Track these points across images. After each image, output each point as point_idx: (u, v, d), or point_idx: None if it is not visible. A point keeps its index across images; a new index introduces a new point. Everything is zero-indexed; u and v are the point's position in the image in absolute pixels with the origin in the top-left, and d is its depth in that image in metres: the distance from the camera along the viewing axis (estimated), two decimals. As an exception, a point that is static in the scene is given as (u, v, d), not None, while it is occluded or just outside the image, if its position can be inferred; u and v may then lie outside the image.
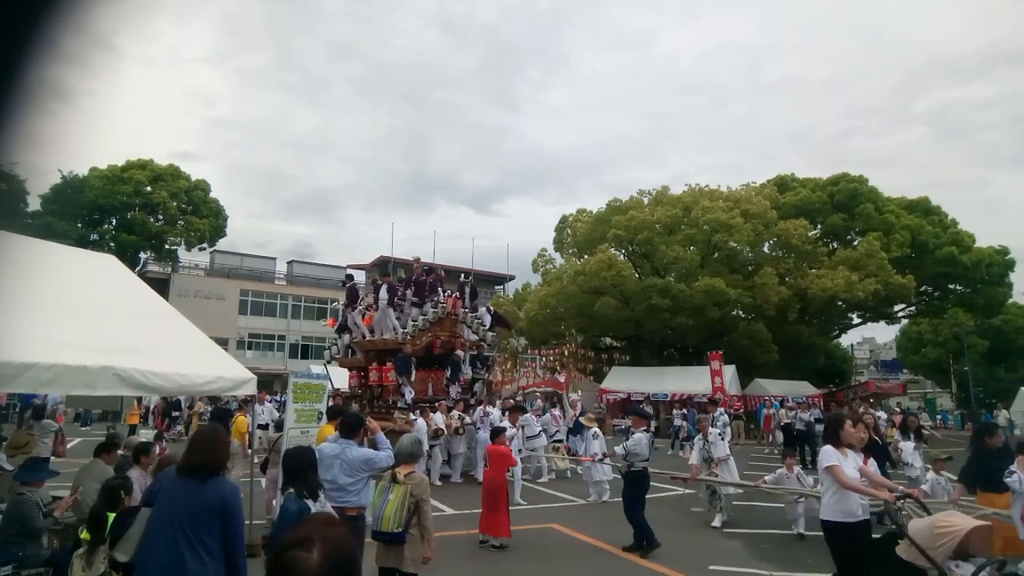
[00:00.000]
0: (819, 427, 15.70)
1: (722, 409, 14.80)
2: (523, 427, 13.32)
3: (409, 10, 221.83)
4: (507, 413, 13.19)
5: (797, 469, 9.23)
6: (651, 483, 8.47)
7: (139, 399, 21.28)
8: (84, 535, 4.47)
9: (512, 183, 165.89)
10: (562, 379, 26.06)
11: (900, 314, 37.51)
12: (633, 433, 8.51)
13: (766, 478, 9.27)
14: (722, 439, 10.28)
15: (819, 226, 33.83)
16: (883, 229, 31.38)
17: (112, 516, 4.54)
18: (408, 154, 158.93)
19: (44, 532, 5.17)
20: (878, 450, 9.13)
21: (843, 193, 33.04)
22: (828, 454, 5.23)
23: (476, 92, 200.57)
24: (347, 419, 5.43)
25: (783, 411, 21.10)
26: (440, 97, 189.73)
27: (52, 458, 9.34)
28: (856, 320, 36.66)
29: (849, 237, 33.81)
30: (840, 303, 31.29)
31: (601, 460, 11.01)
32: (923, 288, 33.73)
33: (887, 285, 28.99)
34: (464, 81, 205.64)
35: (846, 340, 46.18)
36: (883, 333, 68.10)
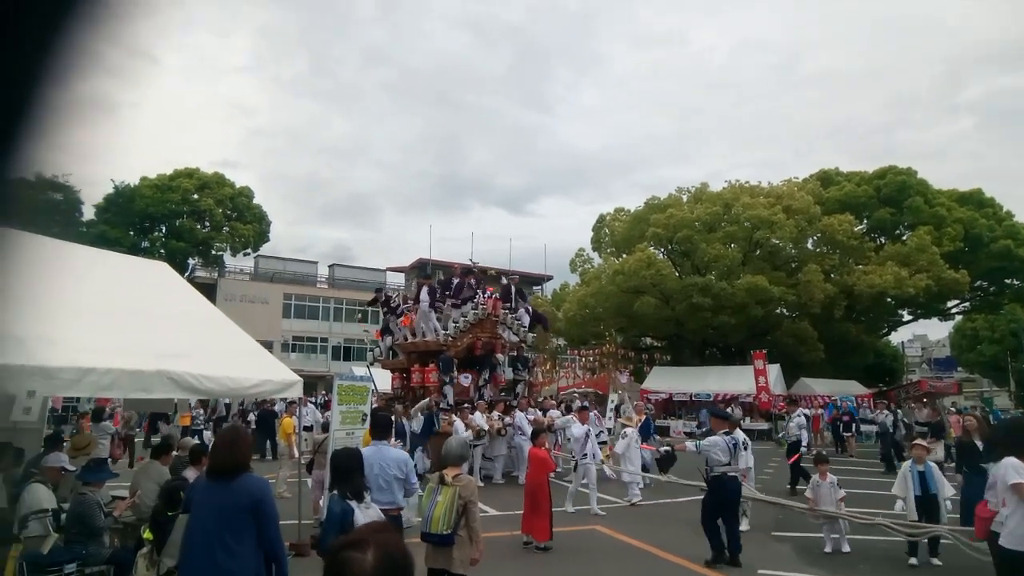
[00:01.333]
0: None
1: (801, 409, 14.47)
2: (565, 428, 13.28)
3: (439, 15, 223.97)
4: (576, 413, 13.00)
5: (831, 477, 8.38)
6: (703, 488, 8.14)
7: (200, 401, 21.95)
8: (147, 535, 4.62)
9: (545, 183, 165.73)
10: (624, 379, 25.88)
11: (953, 310, 36.19)
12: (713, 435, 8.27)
13: (807, 494, 8.51)
14: (746, 450, 9.37)
15: (865, 221, 32.85)
16: (934, 223, 30.29)
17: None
18: (441, 157, 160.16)
19: (105, 531, 5.35)
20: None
21: (890, 186, 32.01)
22: (1014, 468, 4.51)
23: (507, 94, 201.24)
24: (376, 420, 5.51)
25: (882, 414, 19.55)
26: (472, 100, 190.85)
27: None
28: (907, 317, 35.53)
29: (898, 232, 32.75)
30: (889, 300, 30.38)
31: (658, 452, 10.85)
32: (977, 283, 32.46)
33: (939, 281, 27.99)
34: (495, 83, 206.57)
35: (896, 338, 44.85)
36: (935, 330, 66.07)
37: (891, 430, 17.70)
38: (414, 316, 15.96)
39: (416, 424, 12.38)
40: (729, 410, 21.22)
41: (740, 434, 8.59)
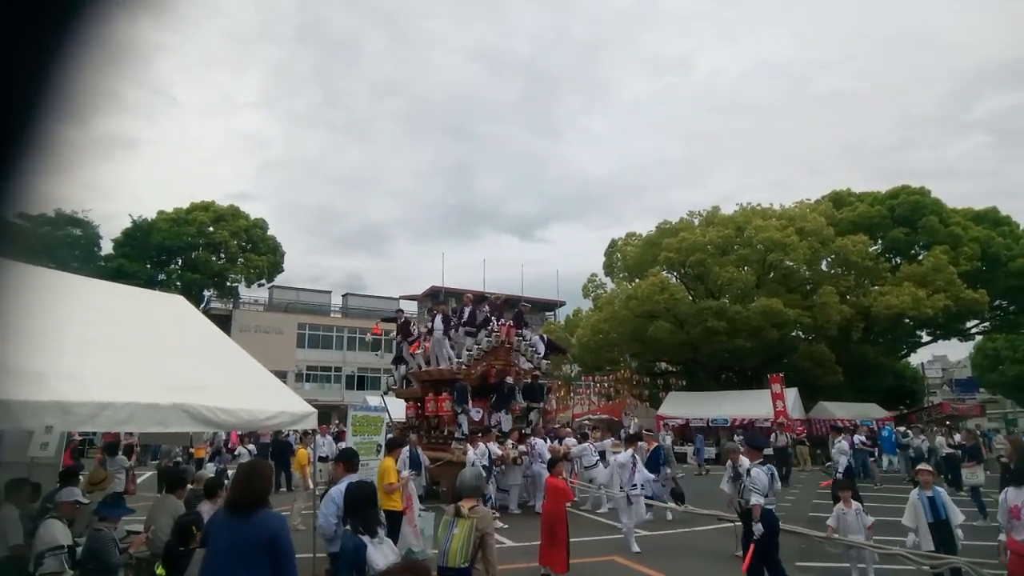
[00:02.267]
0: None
1: (841, 438, 14.24)
2: (581, 456, 13.11)
3: (449, 47, 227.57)
4: (625, 442, 12.74)
5: (856, 505, 7.99)
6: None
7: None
8: (160, 571, 4.58)
9: (556, 210, 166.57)
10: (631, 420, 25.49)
11: (973, 330, 35.62)
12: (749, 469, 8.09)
13: (829, 523, 8.02)
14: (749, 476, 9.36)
15: (880, 241, 32.62)
16: (950, 242, 30.01)
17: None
18: (453, 186, 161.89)
19: (120, 568, 5.32)
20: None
21: (904, 206, 31.82)
22: None
23: (518, 122, 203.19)
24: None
25: (917, 439, 19.39)
26: (482, 129, 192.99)
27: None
28: (926, 338, 34.99)
29: (913, 252, 32.45)
30: (907, 321, 29.98)
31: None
32: (997, 303, 31.98)
33: (958, 301, 27.61)
34: (505, 112, 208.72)
35: (916, 359, 44.10)
36: (956, 351, 65.02)
37: (926, 456, 17.41)
38: (426, 344, 15.94)
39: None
40: (772, 437, 20.75)
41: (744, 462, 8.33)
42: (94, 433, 21.03)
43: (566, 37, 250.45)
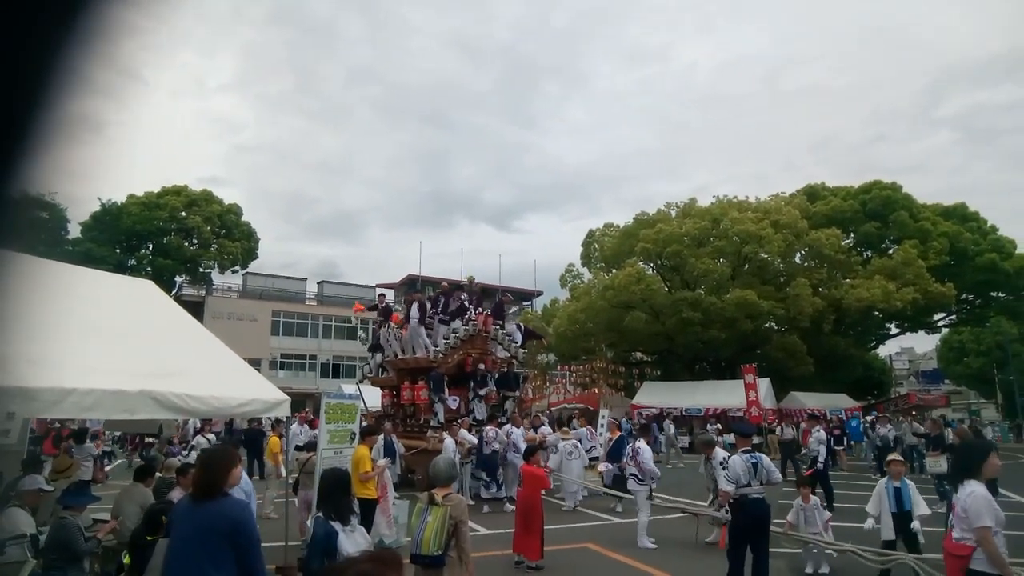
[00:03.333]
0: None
1: (818, 427, 14.34)
2: (557, 445, 13.16)
3: (426, 33, 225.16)
4: (639, 431, 12.80)
5: (814, 500, 8.10)
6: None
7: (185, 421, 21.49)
8: (127, 560, 4.50)
9: (533, 200, 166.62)
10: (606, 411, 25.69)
11: (940, 323, 36.54)
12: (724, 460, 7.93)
13: (789, 518, 8.04)
14: (723, 468, 8.81)
15: (852, 235, 33.18)
16: (919, 237, 30.67)
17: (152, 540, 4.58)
18: (428, 174, 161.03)
19: (86, 556, 5.21)
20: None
21: (876, 201, 32.40)
22: (986, 508, 4.17)
23: (495, 111, 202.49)
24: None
25: (884, 428, 19.26)
26: (459, 117, 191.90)
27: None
28: (894, 330, 35.81)
29: (884, 246, 33.10)
30: (877, 313, 30.60)
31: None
32: (964, 296, 32.85)
33: (926, 294, 28.26)
34: (482, 100, 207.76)
35: (884, 351, 45.11)
36: (922, 343, 66.47)
37: (892, 444, 17.79)
38: (402, 331, 15.86)
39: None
40: (779, 430, 20.90)
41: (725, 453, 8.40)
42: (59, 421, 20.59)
43: (545, 26, 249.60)
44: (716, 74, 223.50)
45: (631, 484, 9.88)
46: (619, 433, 13.59)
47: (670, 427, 23.77)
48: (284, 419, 9.30)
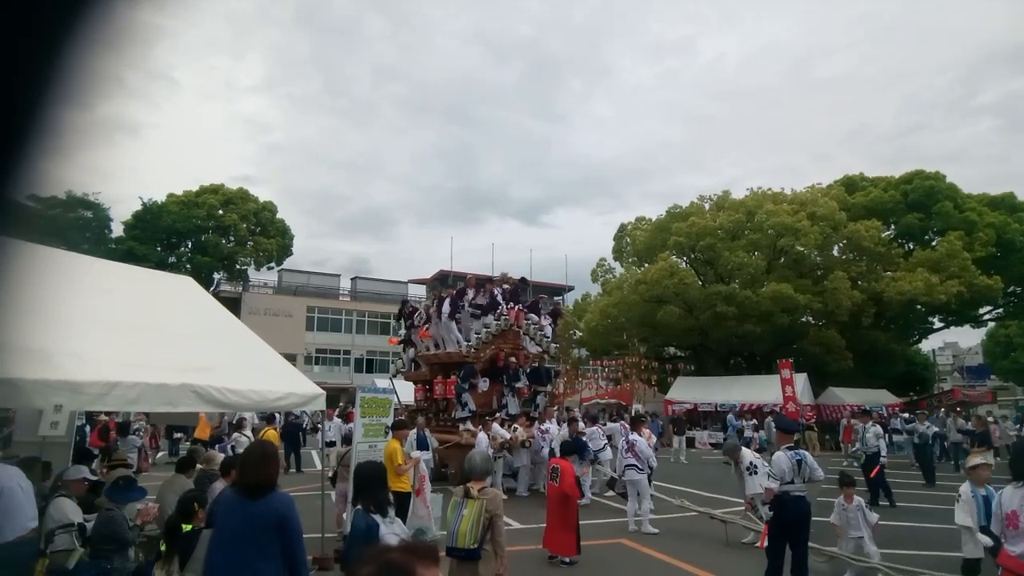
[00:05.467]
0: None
1: (872, 422, 13.77)
2: (590, 440, 13.11)
3: (449, 30, 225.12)
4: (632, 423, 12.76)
5: (858, 500, 7.47)
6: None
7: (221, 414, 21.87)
8: (163, 547, 4.62)
9: (560, 194, 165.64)
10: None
11: (986, 317, 35.24)
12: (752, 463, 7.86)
13: (833, 519, 7.53)
14: (750, 474, 8.96)
15: (893, 227, 32.22)
16: (964, 228, 29.61)
17: (187, 528, 4.67)
18: (455, 170, 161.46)
19: (132, 545, 5.35)
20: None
21: (918, 191, 31.38)
22: None
23: (519, 106, 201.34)
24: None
25: (923, 424, 17.99)
26: (484, 113, 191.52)
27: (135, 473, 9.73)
28: (938, 324, 34.70)
29: (927, 237, 32.07)
30: (920, 307, 29.74)
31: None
32: (1010, 289, 31.59)
33: (971, 287, 27.33)
34: (507, 96, 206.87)
35: (926, 345, 43.76)
36: (967, 337, 64.58)
37: (930, 442, 17.25)
38: (423, 330, 15.95)
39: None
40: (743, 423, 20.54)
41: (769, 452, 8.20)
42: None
43: (568, 20, 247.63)
44: (741, 66, 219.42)
45: (631, 475, 10.02)
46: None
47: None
48: (321, 413, 9.42)
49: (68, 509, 5.33)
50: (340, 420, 16.21)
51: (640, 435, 10.61)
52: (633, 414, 14.58)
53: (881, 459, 12.58)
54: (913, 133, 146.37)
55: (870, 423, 13.47)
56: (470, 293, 15.50)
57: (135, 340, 5.53)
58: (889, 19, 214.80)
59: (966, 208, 30.63)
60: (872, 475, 12.35)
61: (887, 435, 20.23)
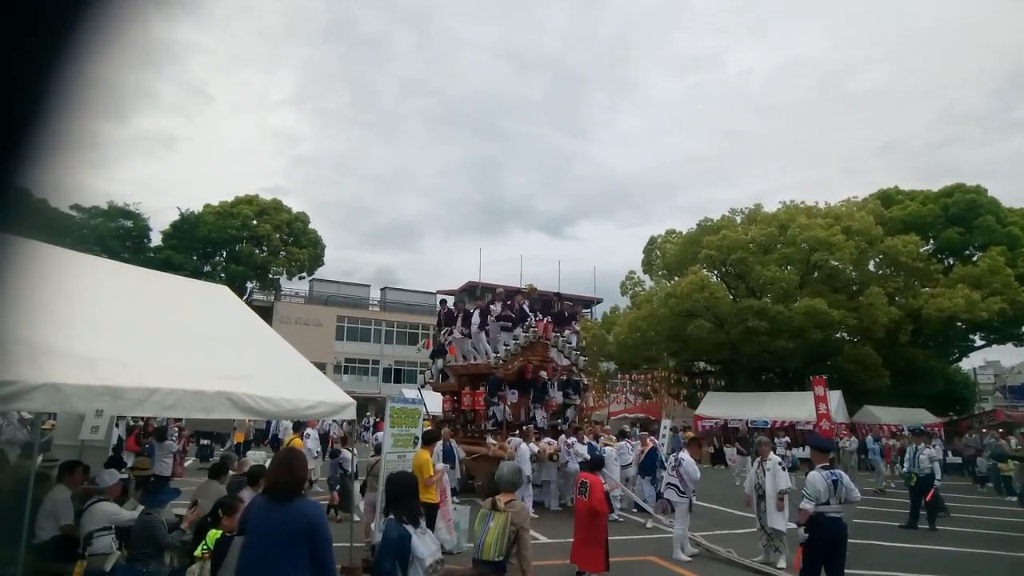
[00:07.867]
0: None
1: (929, 444, 13.36)
2: (618, 455, 13.00)
3: (475, 45, 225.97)
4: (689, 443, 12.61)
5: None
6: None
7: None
8: (197, 552, 4.69)
9: (585, 207, 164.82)
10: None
11: (1030, 335, 34.14)
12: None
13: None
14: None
15: (931, 242, 31.49)
16: (1007, 243, 28.81)
17: (215, 533, 4.75)
18: (481, 183, 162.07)
19: (170, 549, 5.44)
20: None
21: (958, 205, 30.63)
22: None
23: (544, 119, 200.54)
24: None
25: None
26: (509, 126, 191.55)
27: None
28: (979, 342, 33.68)
29: (967, 252, 31.24)
30: (960, 324, 28.94)
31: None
32: (1056, 306, 30.60)
33: (1014, 304, 26.51)
34: (532, 109, 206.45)
35: (967, 364, 42.43)
36: (1009, 356, 62.25)
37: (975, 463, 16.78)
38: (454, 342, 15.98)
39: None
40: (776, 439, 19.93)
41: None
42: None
43: (593, 35, 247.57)
44: (769, 80, 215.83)
45: (670, 494, 9.62)
46: (651, 444, 13.17)
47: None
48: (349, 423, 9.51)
49: (110, 511, 5.45)
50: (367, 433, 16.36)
51: (690, 456, 9.91)
52: (680, 431, 14.17)
53: (936, 481, 12.24)
54: (948, 147, 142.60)
55: (922, 444, 13.05)
56: (497, 305, 15.53)
57: (173, 347, 5.65)
58: (922, 32, 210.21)
59: (1009, 222, 29.82)
60: (928, 498, 12.03)
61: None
